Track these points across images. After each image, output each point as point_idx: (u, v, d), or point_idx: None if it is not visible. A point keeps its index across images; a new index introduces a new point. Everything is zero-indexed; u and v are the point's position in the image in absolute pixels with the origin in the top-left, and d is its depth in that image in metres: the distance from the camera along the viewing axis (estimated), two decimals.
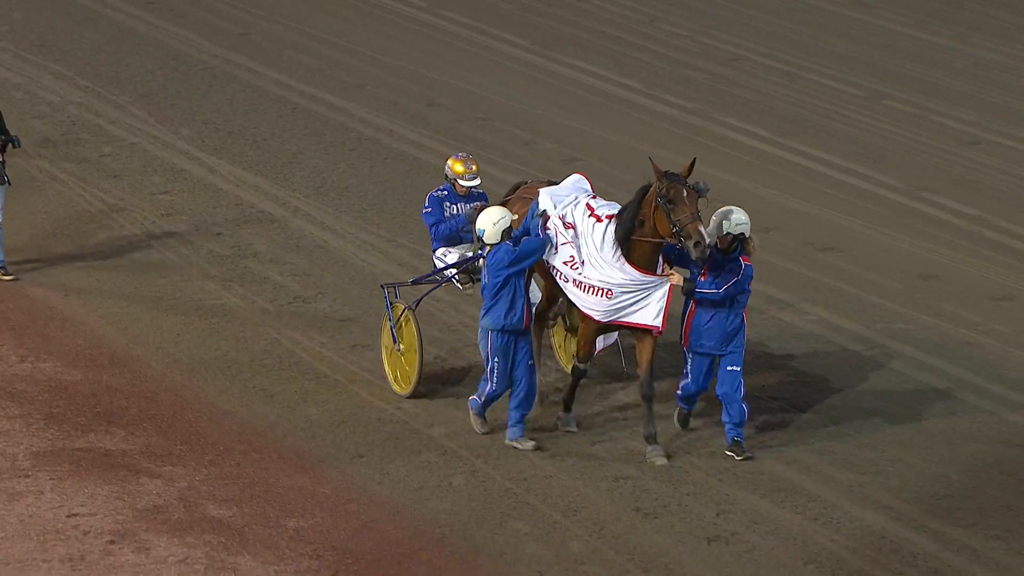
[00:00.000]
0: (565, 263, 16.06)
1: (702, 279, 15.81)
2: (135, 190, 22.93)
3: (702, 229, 15.36)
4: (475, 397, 16.47)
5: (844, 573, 14.37)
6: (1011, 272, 20.56)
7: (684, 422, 16.57)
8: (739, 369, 15.92)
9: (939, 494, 15.50)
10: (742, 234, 15.81)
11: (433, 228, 17.29)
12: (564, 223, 16.09)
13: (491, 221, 16.17)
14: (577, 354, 16.57)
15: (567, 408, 16.69)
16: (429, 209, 17.29)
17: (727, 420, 16.02)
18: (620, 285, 15.76)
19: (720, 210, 16.01)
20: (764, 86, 27.28)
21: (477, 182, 17.33)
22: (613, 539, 15.00)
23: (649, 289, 15.79)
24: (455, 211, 17.28)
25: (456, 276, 17.24)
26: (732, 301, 15.77)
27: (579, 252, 15.97)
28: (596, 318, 15.98)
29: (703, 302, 15.82)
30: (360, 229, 21.80)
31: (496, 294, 16.00)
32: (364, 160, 24.10)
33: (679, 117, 25.87)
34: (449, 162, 17.37)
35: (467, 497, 15.68)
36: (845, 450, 16.29)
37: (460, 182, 17.26)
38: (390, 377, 17.40)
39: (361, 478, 15.99)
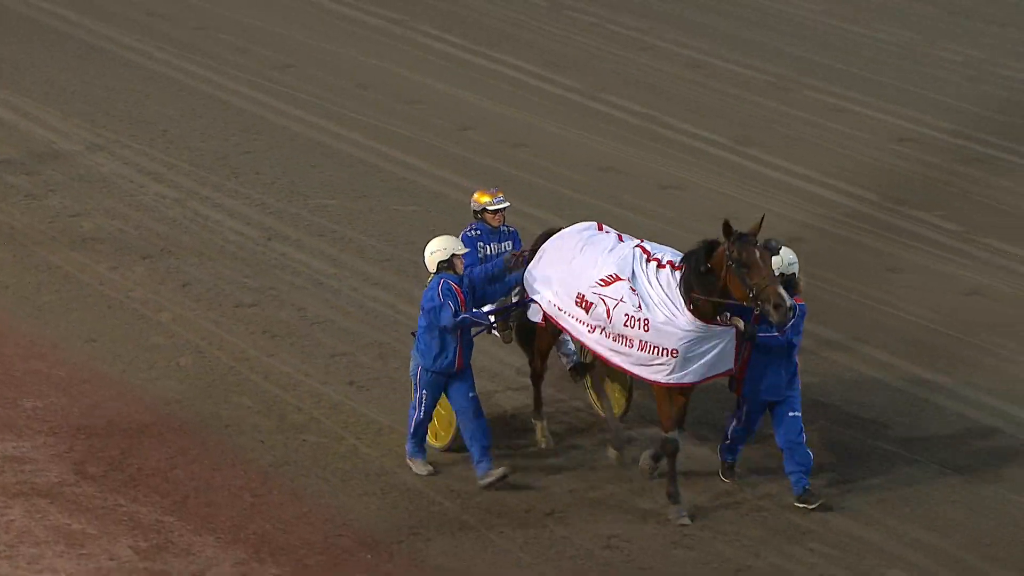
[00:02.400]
0: (626, 325, 13.33)
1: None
2: None
3: (782, 291, 12.95)
4: (408, 441, 14.00)
5: None
6: (678, 163, 20.87)
7: (730, 473, 14.01)
8: (800, 414, 13.73)
9: None
10: (793, 274, 13.58)
11: (468, 270, 14.15)
12: (614, 277, 13.54)
13: (431, 249, 13.76)
14: (661, 424, 13.57)
15: (675, 499, 13.49)
16: (467, 250, 14.24)
17: (796, 468, 13.65)
18: (685, 337, 13.19)
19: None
20: None
21: (505, 205, 14.65)
22: (329, 409, 14.89)
23: (715, 337, 13.29)
24: (488, 251, 14.58)
25: (495, 324, 14.44)
26: (789, 344, 13.62)
27: (635, 299, 13.35)
28: (663, 381, 13.34)
29: (760, 348, 13.57)
30: (87, 132, 21.14)
31: (428, 332, 13.66)
32: (90, 66, 23.35)
33: (385, 27, 25.59)
34: (475, 196, 14.76)
35: (194, 376, 15.41)
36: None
37: (488, 210, 14.62)
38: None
39: (93, 361, 15.59)
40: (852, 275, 17.89)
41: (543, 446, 14.39)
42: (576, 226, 14.20)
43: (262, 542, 12.95)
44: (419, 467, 13.94)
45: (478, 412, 13.77)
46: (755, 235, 13.16)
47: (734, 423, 13.87)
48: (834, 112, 22.59)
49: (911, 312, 17.10)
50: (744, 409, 13.81)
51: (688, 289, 13.22)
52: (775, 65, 24.35)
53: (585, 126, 22.00)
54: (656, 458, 13.72)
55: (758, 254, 13.06)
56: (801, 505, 13.60)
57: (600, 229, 14.13)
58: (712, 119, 22.27)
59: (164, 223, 18.63)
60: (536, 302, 13.94)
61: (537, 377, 14.44)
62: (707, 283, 13.16)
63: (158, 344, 15.95)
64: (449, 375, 13.72)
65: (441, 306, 13.55)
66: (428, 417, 13.93)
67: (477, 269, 14.14)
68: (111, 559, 12.70)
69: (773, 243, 13.36)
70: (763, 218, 13.28)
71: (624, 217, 19.21)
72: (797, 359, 13.73)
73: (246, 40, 24.63)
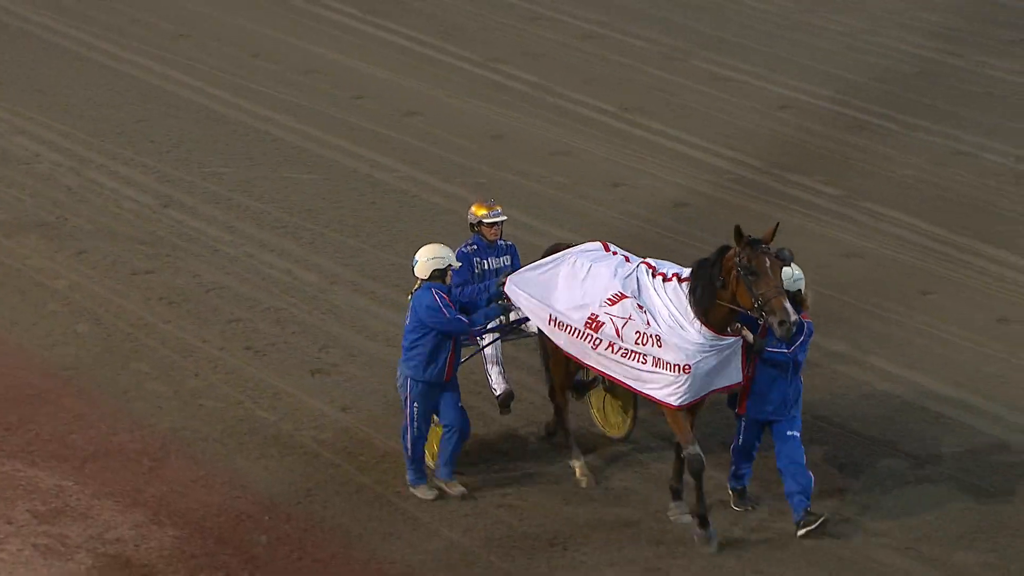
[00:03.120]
0: (637, 342, 12.68)
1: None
2: None
3: (787, 305, 12.31)
4: (408, 469, 13.19)
5: None
6: (568, 131, 20.92)
7: (743, 499, 13.25)
8: (799, 434, 13.06)
9: None
10: (799, 291, 12.91)
11: (458, 289, 13.44)
12: (619, 296, 12.82)
13: (428, 255, 12.97)
14: (681, 442, 12.84)
15: (677, 496, 13.09)
16: (460, 265, 13.42)
17: (795, 490, 12.90)
18: (698, 353, 12.55)
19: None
20: None
21: (503, 218, 13.83)
22: (226, 374, 14.81)
23: (725, 350, 12.65)
24: (485, 267, 13.75)
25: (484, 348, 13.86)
26: (794, 362, 12.96)
27: (643, 316, 12.70)
28: (682, 404, 12.62)
29: (766, 365, 12.90)
30: None
31: (415, 342, 12.92)
32: None
33: None
34: (471, 208, 13.92)
35: (91, 342, 15.27)
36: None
37: (485, 223, 13.76)
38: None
39: None
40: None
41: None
42: (582, 246, 13.37)
43: (160, 505, 12.87)
44: (424, 492, 13.14)
45: (464, 423, 13.16)
46: (767, 243, 12.47)
47: (736, 444, 13.16)
48: (719, 81, 22.74)
49: None
50: (742, 427, 13.09)
51: (704, 298, 12.52)
52: (664, 36, 24.45)
53: (477, 94, 21.99)
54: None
55: (768, 263, 12.38)
56: (804, 529, 12.82)
57: (607, 250, 13.29)
58: (601, 88, 22.34)
59: (59, 191, 18.41)
60: (535, 322, 13.20)
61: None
62: (721, 288, 12.49)
63: (55, 311, 15.78)
64: (439, 385, 13.04)
65: (445, 310, 12.80)
66: (423, 435, 13.08)
67: (469, 288, 13.51)
68: (9, 523, 12.57)
69: (786, 253, 12.61)
70: (777, 225, 12.59)
71: (515, 183, 19.25)
72: (802, 378, 13.09)
73: (140, 10, 24.36)
